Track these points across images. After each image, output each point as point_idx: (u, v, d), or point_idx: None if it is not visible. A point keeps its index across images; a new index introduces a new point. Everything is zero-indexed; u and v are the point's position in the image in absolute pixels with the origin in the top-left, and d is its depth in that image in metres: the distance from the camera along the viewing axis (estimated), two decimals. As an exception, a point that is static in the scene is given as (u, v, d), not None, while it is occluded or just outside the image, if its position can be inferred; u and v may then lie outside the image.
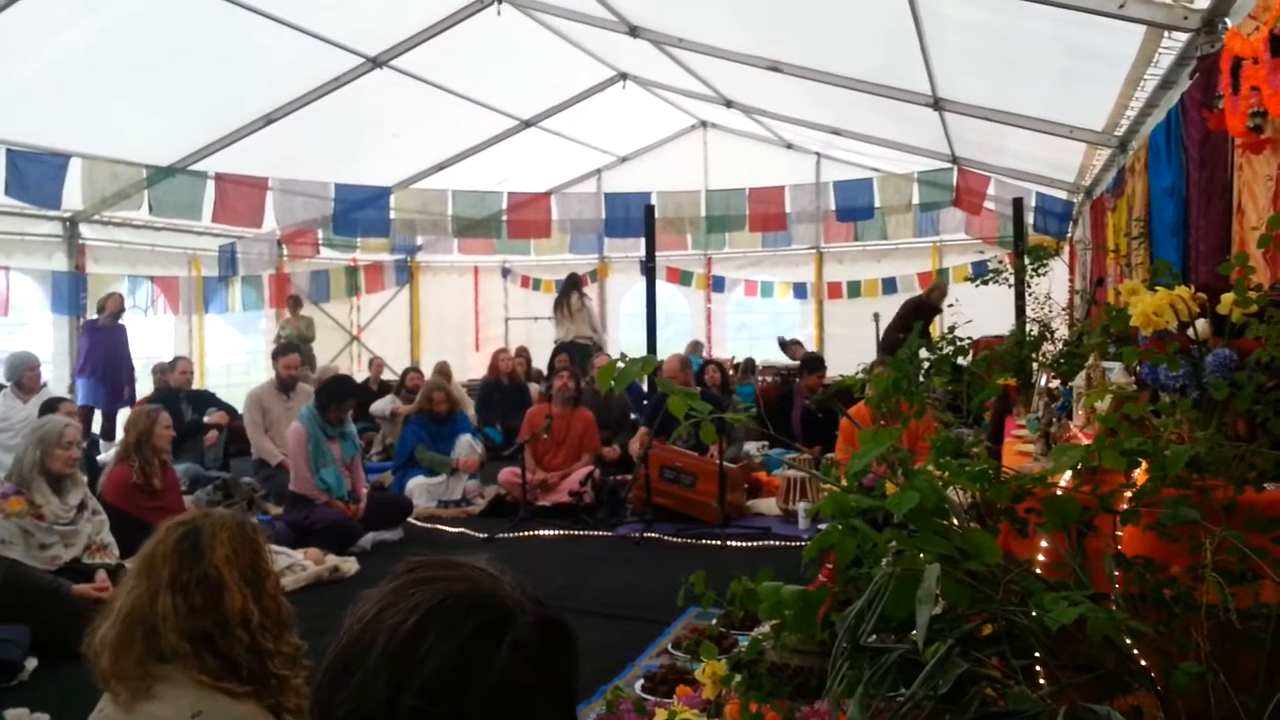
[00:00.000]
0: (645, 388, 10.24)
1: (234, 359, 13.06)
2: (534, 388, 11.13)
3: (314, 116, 9.54)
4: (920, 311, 11.12)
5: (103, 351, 9.47)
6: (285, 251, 12.73)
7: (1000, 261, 6.78)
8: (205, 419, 8.40)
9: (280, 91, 9.18)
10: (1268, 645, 1.93)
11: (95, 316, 9.64)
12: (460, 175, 12.24)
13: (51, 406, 6.97)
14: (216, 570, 1.96)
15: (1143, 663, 1.94)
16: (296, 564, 5.59)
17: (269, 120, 9.44)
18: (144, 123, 8.91)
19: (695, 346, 13.65)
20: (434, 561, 1.00)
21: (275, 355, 8.29)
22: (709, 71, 10.43)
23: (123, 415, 9.46)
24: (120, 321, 9.72)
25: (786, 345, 13.08)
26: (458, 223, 11.76)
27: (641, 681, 3.57)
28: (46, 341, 9.71)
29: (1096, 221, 9.30)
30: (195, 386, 9.63)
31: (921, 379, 3.97)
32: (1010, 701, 1.62)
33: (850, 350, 11.34)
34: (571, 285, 12.34)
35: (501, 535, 6.82)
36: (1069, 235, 11.07)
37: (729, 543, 6.45)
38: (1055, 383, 3.98)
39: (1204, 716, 1.92)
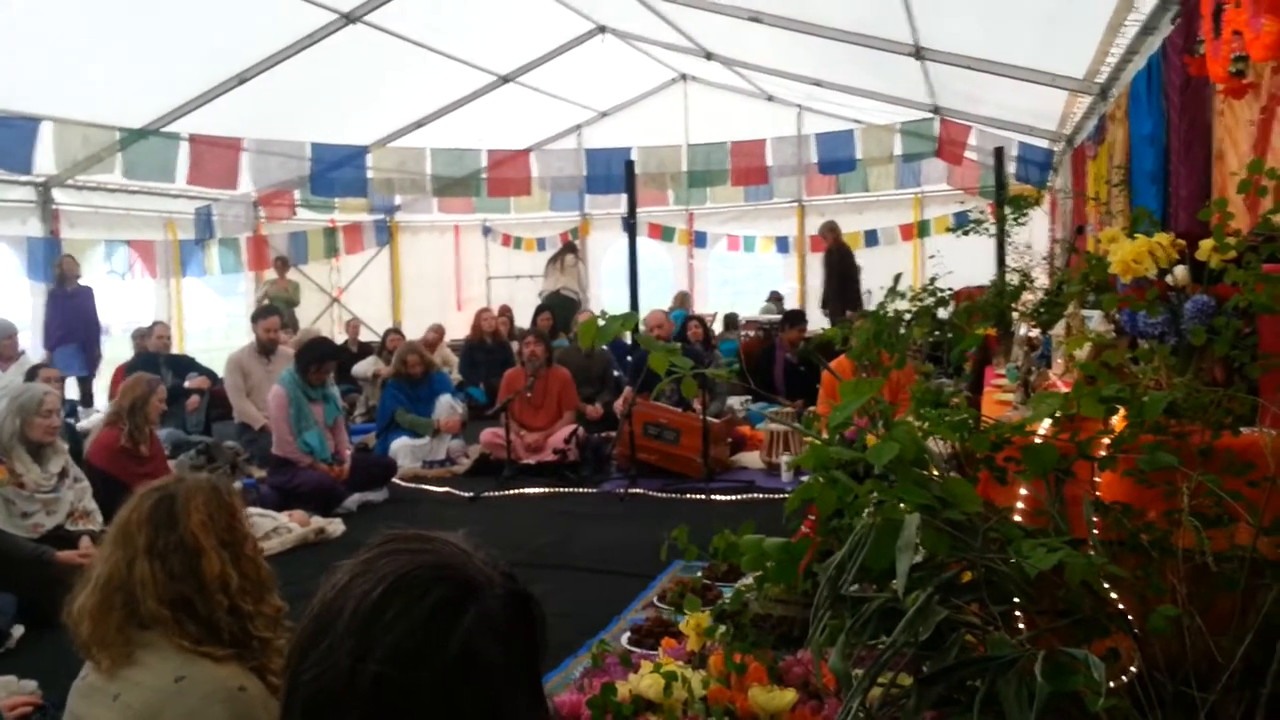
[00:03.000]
0: (629, 343, 10.25)
1: (214, 323, 12.98)
2: (517, 346, 11.14)
3: (287, 75, 9.37)
4: (829, 262, 11.39)
5: (76, 317, 9.37)
6: (262, 213, 12.59)
7: (982, 212, 6.79)
8: (186, 384, 8.34)
9: (252, 50, 9.02)
10: (1242, 586, 1.95)
11: (56, 284, 9.45)
12: (438, 133, 12.09)
13: (32, 375, 6.91)
14: (192, 536, 1.94)
15: (1120, 607, 1.97)
16: (282, 526, 5.59)
17: (242, 80, 9.28)
18: (115, 84, 8.74)
19: (681, 299, 13.66)
20: (408, 535, 1.02)
21: (255, 318, 8.21)
22: (688, 23, 10.30)
23: (99, 382, 9.41)
24: (83, 284, 9.59)
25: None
26: (437, 181, 11.63)
27: (628, 634, 3.60)
28: (24, 309, 9.59)
29: (1077, 170, 9.29)
30: (175, 351, 9.56)
31: (902, 330, 3.98)
32: (989, 646, 1.63)
33: (833, 303, 11.36)
34: (569, 248, 13.80)
35: (487, 494, 6.84)
36: (1050, 184, 11.07)
37: (713, 496, 6.49)
38: (1035, 332, 3.99)
39: (1180, 657, 1.95)
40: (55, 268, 9.37)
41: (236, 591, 1.93)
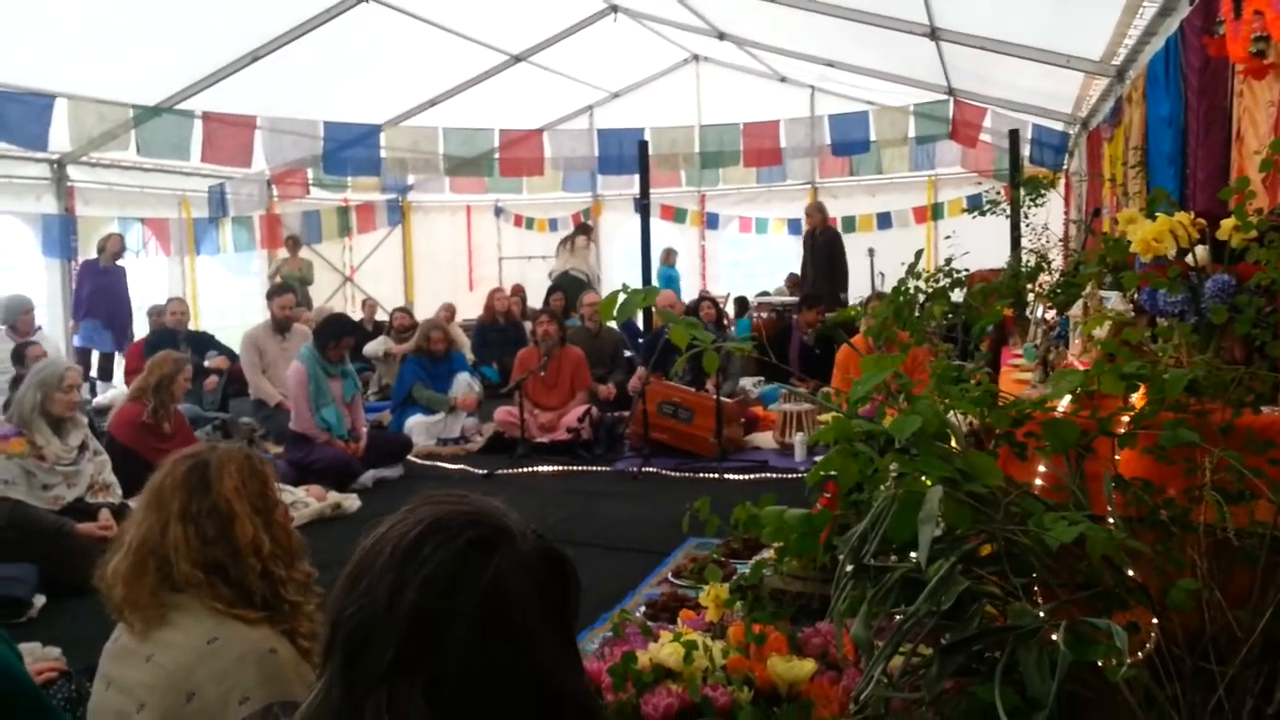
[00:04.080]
0: (640, 325, 10.27)
1: (228, 301, 13.01)
2: (530, 326, 11.17)
3: (301, 53, 9.38)
4: (813, 246, 11.43)
5: (103, 293, 9.49)
6: (275, 192, 12.62)
7: (997, 193, 6.77)
8: (206, 363, 8.37)
9: (266, 28, 9.02)
10: (1262, 562, 1.97)
11: (94, 257, 9.63)
12: (451, 113, 12.08)
13: (19, 351, 7.00)
14: (226, 501, 1.97)
15: (1139, 581, 1.98)
16: (299, 501, 5.64)
17: (255, 57, 9.28)
18: (129, 61, 8.75)
19: (668, 255, 13.68)
20: (446, 492, 1.08)
21: (270, 296, 8.25)
22: (701, 2, 10.26)
23: (119, 358, 9.49)
24: (119, 263, 9.70)
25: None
26: (449, 161, 11.65)
27: (643, 609, 3.63)
28: (39, 285, 9.66)
29: (1092, 152, 9.25)
30: (191, 328, 9.62)
31: (919, 310, 3.98)
32: (1011, 616, 1.65)
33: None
34: (582, 229, 13.58)
35: (501, 471, 6.88)
36: (1065, 167, 11.02)
37: (726, 475, 6.51)
38: (1051, 313, 4.00)
39: (1199, 632, 1.96)
40: (100, 242, 9.59)
41: (268, 556, 1.96)
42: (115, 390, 8.69)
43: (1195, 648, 1.92)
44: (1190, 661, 1.91)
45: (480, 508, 1.04)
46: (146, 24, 8.27)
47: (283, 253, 12.43)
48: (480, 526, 0.99)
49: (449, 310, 11.13)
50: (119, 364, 9.55)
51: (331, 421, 6.57)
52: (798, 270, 13.93)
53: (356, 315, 12.30)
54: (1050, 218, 7.24)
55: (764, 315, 10.57)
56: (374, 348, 10.41)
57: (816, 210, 11.71)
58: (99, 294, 9.48)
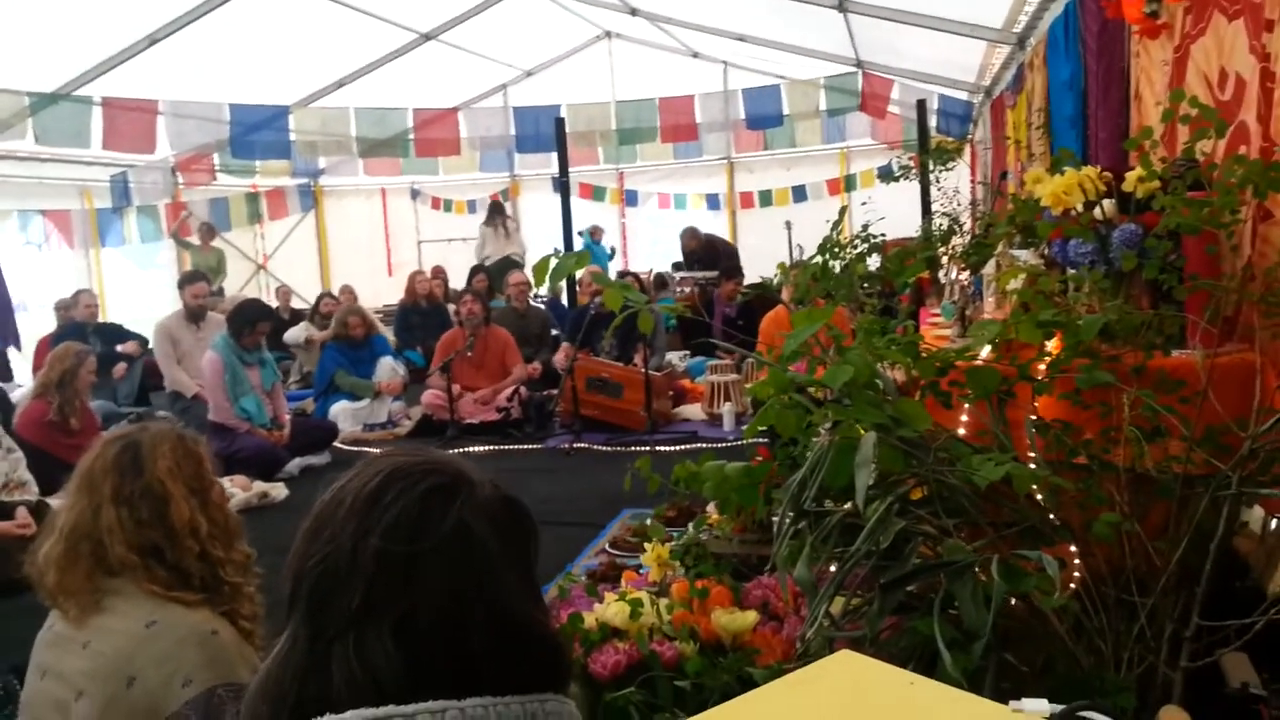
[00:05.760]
0: (566, 304, 10.26)
1: (136, 294, 12.61)
2: (453, 308, 11.05)
3: (203, 34, 9.10)
4: (701, 258, 11.82)
5: None
6: (181, 179, 12.23)
7: (909, 158, 6.91)
8: (118, 347, 8.09)
9: (164, 9, 8.72)
10: (1177, 494, 2.07)
11: None
12: (362, 93, 11.83)
13: None
14: (160, 482, 1.93)
15: (1057, 522, 2.07)
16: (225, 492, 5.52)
17: (154, 40, 8.96)
18: (22, 47, 8.40)
19: (595, 231, 13.69)
20: (403, 447, 1.10)
21: (181, 284, 8.00)
22: (612, -23, 10.22)
23: (14, 354, 9.15)
24: None
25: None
26: (362, 143, 11.44)
27: (583, 579, 3.65)
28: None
29: (996, 120, 9.48)
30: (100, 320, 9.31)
31: (839, 275, 4.06)
32: (946, 553, 1.71)
33: (764, 259, 11.44)
34: (498, 209, 13.50)
35: (431, 454, 6.81)
36: (970, 136, 11.27)
37: (658, 448, 6.56)
38: (965, 275, 4.11)
39: (1120, 565, 2.06)
40: None
41: (206, 537, 1.93)
42: (25, 388, 8.38)
43: (1118, 580, 2.01)
44: (1113, 593, 2.00)
45: (438, 458, 1.05)
46: (40, 8, 7.93)
47: (194, 239, 12.05)
48: (440, 474, 1.00)
49: (349, 293, 10.89)
50: (20, 361, 9.21)
51: (251, 410, 6.44)
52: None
53: (272, 303, 12.02)
54: (959, 183, 7.41)
55: (685, 290, 10.66)
56: (295, 335, 10.20)
57: (691, 237, 12.30)
58: None
